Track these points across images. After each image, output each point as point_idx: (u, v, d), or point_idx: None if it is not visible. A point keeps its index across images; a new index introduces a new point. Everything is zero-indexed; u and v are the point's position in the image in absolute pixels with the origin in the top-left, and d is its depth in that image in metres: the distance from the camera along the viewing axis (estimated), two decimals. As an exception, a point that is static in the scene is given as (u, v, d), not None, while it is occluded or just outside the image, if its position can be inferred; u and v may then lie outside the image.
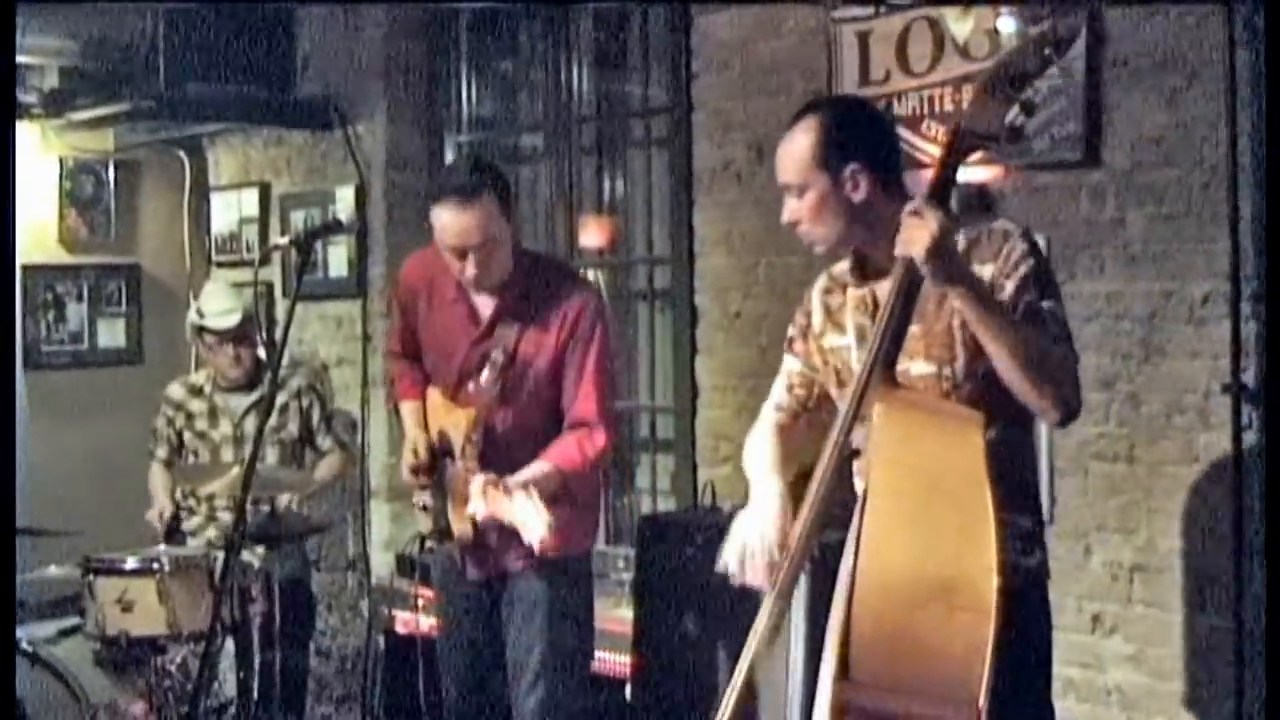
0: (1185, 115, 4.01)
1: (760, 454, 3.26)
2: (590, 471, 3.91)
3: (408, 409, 4.10)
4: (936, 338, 2.90)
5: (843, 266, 3.15)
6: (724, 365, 5.16)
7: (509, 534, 3.82)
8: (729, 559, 3.02)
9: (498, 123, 6.31)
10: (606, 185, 5.86)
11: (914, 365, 2.89)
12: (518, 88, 6.21)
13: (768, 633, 2.85)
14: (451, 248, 3.81)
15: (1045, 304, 2.84)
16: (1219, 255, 3.93)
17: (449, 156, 6.27)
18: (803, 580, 2.92)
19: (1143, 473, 4.12)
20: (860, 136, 3.02)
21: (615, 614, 4.75)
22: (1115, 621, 4.18)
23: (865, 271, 3.07)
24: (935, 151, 4.40)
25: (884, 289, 2.94)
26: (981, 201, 4.34)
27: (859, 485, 2.91)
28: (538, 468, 3.80)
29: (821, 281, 3.23)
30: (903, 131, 4.54)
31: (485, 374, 3.83)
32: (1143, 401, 4.12)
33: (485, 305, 3.94)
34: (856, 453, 2.85)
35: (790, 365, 3.29)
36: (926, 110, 4.47)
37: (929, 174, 2.90)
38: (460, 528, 3.84)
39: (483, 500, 3.57)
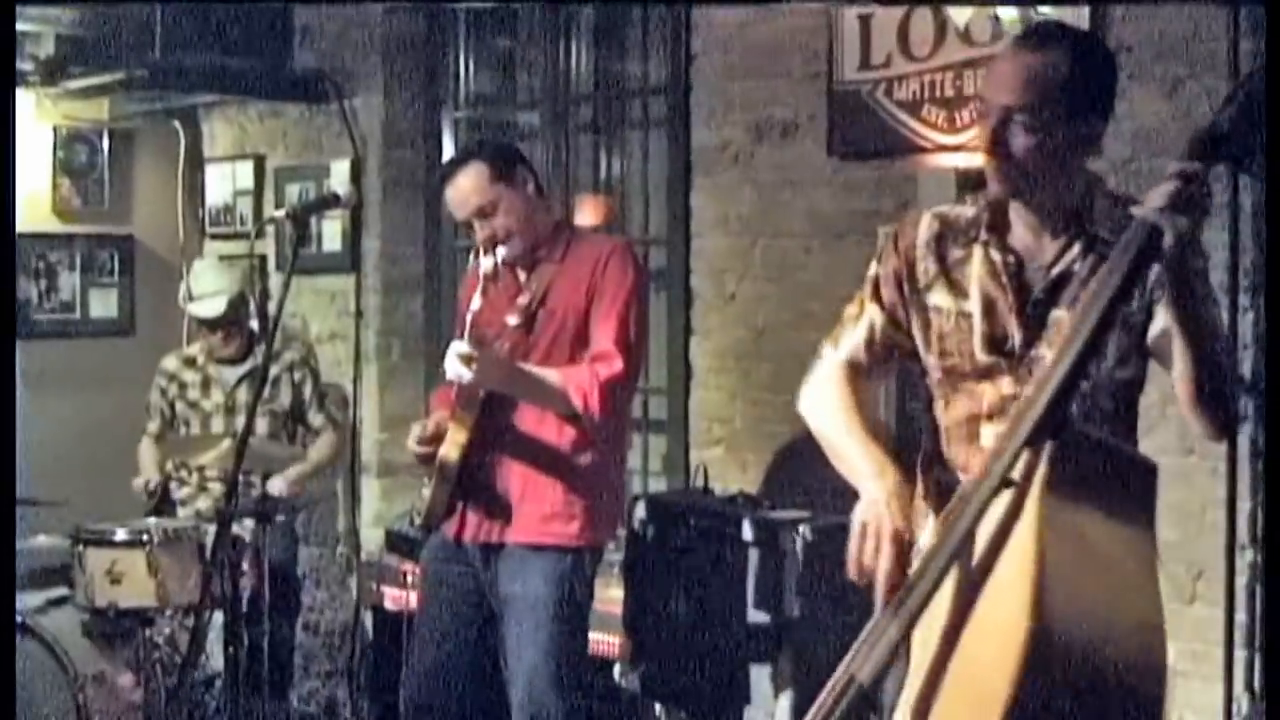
0: (1186, 105, 3.99)
1: (843, 416, 2.81)
2: (602, 401, 3.80)
3: (436, 411, 4.13)
4: None
5: (962, 212, 2.76)
6: (718, 347, 5.15)
7: (499, 492, 3.89)
8: (853, 559, 2.58)
9: (495, 100, 6.29)
10: (604, 165, 5.83)
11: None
12: (516, 65, 6.19)
13: (880, 666, 2.37)
14: (460, 220, 4.05)
15: (1214, 309, 2.58)
16: (1218, 247, 3.92)
17: (446, 132, 6.25)
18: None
19: (1137, 462, 4.11)
20: (1107, 85, 2.65)
21: (605, 594, 4.74)
22: (1106, 610, 4.17)
23: (1005, 229, 2.67)
24: (936, 137, 4.39)
25: (1036, 258, 2.63)
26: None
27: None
28: (541, 368, 3.86)
29: (930, 224, 2.78)
30: (903, 116, 4.54)
31: (510, 316, 3.89)
32: (1138, 391, 4.11)
33: (524, 272, 4.02)
34: (1010, 482, 2.34)
35: (874, 316, 2.83)
36: (927, 95, 4.45)
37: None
38: (446, 453, 3.87)
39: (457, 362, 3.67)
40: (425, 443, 3.94)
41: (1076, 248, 2.63)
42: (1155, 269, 2.39)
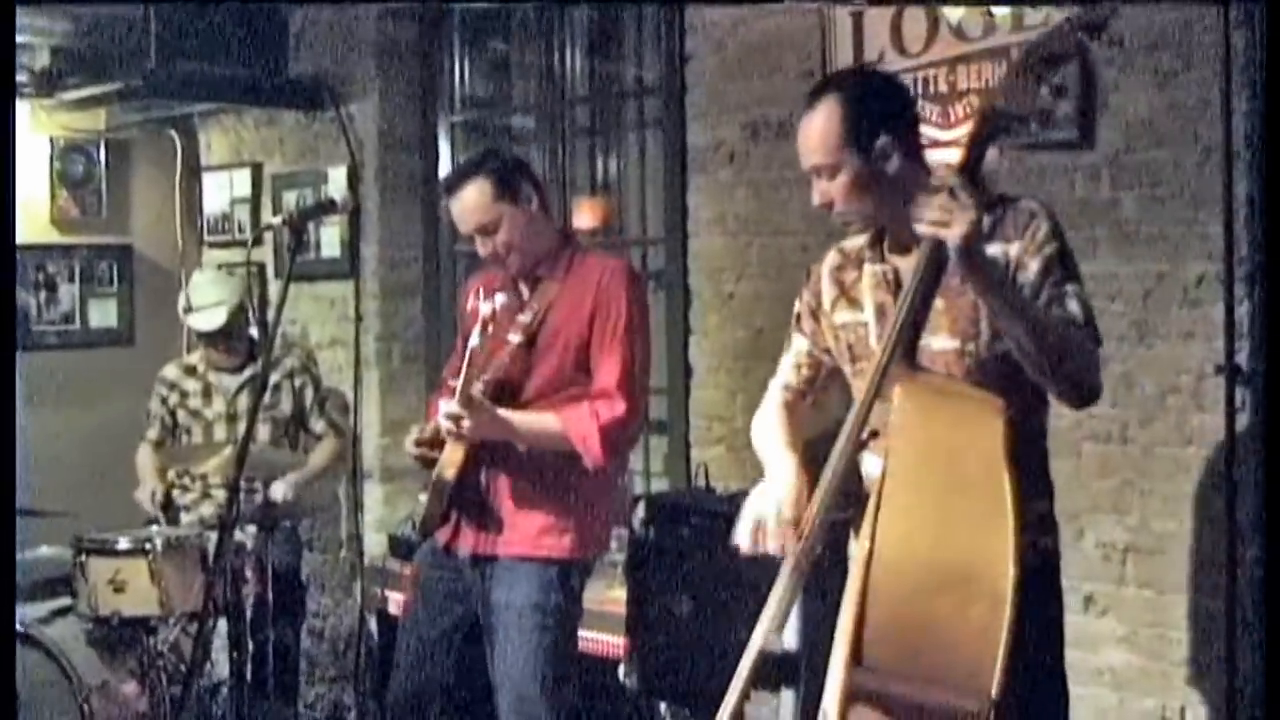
0: (1180, 96, 4.00)
1: (771, 431, 3.21)
2: (603, 445, 3.81)
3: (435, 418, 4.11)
4: (961, 312, 2.87)
5: (856, 242, 3.12)
6: (717, 346, 5.16)
7: (493, 505, 3.91)
8: (741, 532, 2.97)
9: (491, 103, 6.30)
10: (600, 166, 5.85)
11: (936, 340, 2.87)
12: (511, 68, 6.20)
13: (783, 607, 2.82)
14: (462, 234, 4.08)
15: (1069, 286, 2.83)
16: (1213, 236, 3.93)
17: (442, 136, 6.26)
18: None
19: (1136, 454, 4.12)
20: (885, 109, 2.99)
21: (608, 594, 4.75)
22: (1108, 602, 4.18)
23: (884, 246, 3.03)
24: (929, 133, 4.39)
25: (906, 265, 2.91)
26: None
27: (869, 466, 2.90)
28: (538, 415, 3.85)
29: (832, 258, 3.19)
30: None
31: (512, 333, 3.86)
32: (1136, 383, 4.12)
33: (526, 288, 4.01)
34: (875, 433, 2.83)
35: (799, 345, 3.26)
36: (920, 91, 4.45)
37: (942, 154, 2.90)
38: (442, 470, 3.87)
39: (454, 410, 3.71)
40: (422, 444, 3.94)
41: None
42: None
